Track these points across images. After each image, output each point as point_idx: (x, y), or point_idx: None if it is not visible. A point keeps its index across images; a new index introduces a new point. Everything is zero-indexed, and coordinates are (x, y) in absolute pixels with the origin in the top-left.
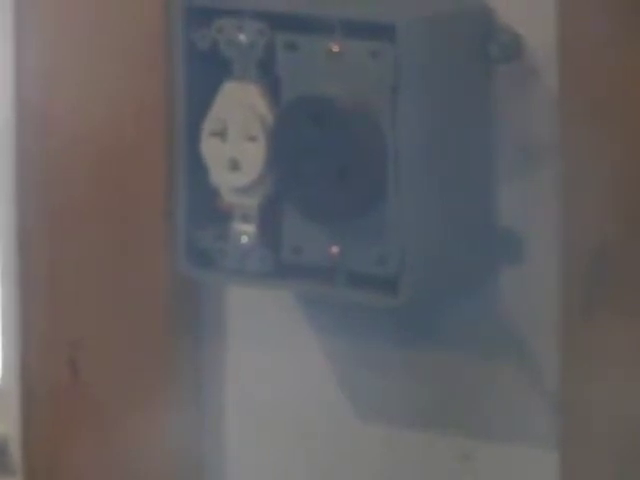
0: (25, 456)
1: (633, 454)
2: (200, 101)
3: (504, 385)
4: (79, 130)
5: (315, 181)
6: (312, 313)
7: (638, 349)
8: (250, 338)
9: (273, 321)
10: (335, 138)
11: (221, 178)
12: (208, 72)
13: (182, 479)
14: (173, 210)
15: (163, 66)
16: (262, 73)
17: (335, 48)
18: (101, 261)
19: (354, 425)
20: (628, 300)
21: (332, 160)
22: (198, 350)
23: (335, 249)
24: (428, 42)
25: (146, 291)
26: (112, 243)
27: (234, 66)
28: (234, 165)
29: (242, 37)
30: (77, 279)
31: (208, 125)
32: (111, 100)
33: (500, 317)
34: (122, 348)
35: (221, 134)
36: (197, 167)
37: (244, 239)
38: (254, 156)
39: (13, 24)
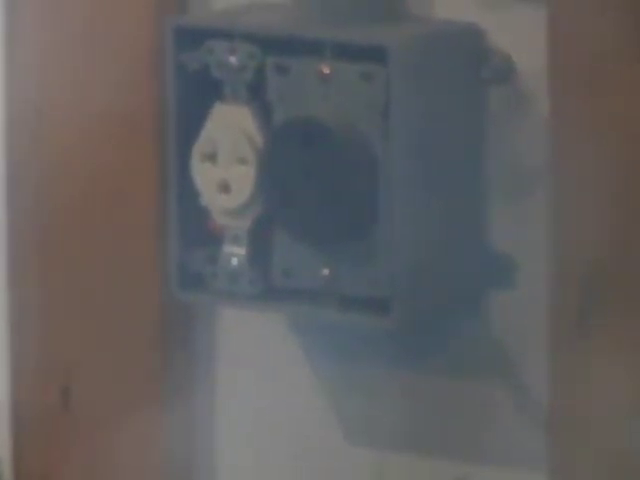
0: None
1: (628, 477)
2: (191, 123)
3: (496, 408)
4: (69, 155)
5: (306, 203)
6: (303, 336)
7: (632, 371)
8: (242, 361)
9: (264, 344)
10: (326, 160)
11: (212, 200)
12: (198, 94)
13: None
14: (164, 232)
15: (154, 87)
16: (253, 95)
17: (326, 70)
18: (93, 286)
19: (345, 448)
20: (621, 322)
21: (323, 182)
22: (190, 375)
23: (326, 271)
24: (419, 64)
25: (138, 317)
26: (104, 268)
27: (225, 88)
28: (224, 187)
29: (233, 59)
30: (68, 305)
31: (199, 147)
32: (101, 122)
33: (492, 340)
34: (114, 374)
35: (211, 156)
36: (188, 189)
37: (234, 261)
38: (244, 178)
39: (3, 49)
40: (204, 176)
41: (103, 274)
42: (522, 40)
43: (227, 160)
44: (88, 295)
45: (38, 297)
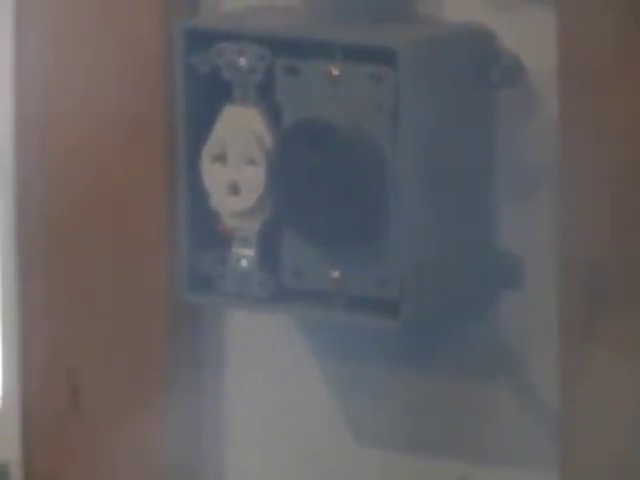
0: None
1: (633, 477)
2: (200, 124)
3: (503, 409)
4: (78, 155)
5: (315, 205)
6: (312, 337)
7: (638, 370)
8: (250, 362)
9: (273, 345)
10: (335, 162)
11: (221, 202)
12: (208, 96)
13: None
14: (174, 234)
15: (164, 89)
16: (262, 97)
17: (335, 72)
18: (101, 285)
19: (352, 449)
20: (628, 323)
21: (332, 184)
22: (198, 374)
23: (335, 273)
24: (428, 66)
25: (147, 316)
26: (112, 268)
27: (234, 90)
28: (234, 189)
29: (242, 61)
30: (77, 304)
31: (208, 149)
32: (111, 125)
33: (499, 340)
34: (123, 375)
35: (221, 158)
36: (197, 191)
37: (244, 263)
38: (254, 180)
39: (12, 44)
40: (214, 177)
41: (112, 275)
42: (531, 41)
43: (237, 161)
44: (97, 296)
45: (47, 298)
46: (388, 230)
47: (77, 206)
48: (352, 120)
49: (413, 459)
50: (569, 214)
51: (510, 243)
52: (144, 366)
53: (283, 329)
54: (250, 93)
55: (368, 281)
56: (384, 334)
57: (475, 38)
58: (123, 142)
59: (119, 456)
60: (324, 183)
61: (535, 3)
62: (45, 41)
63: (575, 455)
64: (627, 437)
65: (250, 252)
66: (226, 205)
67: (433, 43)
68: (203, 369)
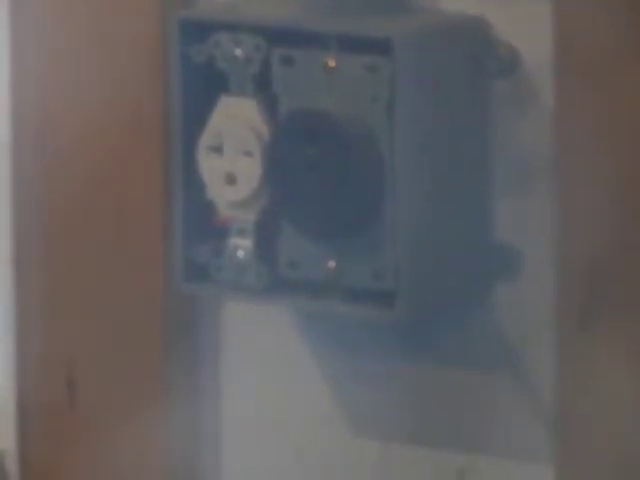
0: (22, 473)
1: (630, 469)
2: (196, 115)
3: (500, 400)
4: (75, 147)
5: (311, 196)
6: (308, 328)
7: (635, 363)
8: (246, 353)
9: (269, 336)
10: (331, 153)
11: (217, 192)
12: (204, 86)
13: None
14: (170, 225)
15: (160, 80)
16: (258, 88)
17: (331, 63)
18: (97, 278)
19: (350, 440)
20: (625, 314)
21: (329, 175)
22: (195, 366)
23: (332, 264)
24: (424, 56)
25: (143, 308)
26: (109, 260)
27: (230, 81)
28: (230, 179)
29: (238, 52)
30: (73, 297)
31: (205, 140)
32: (107, 115)
33: (497, 331)
34: (119, 368)
35: (217, 148)
36: (194, 181)
37: (240, 254)
38: (250, 170)
39: (9, 41)
40: (210, 168)
41: (108, 267)
42: (527, 32)
43: (233, 152)
44: (93, 289)
45: (43, 292)
46: (384, 221)
47: (73, 199)
48: (348, 110)
49: (411, 451)
50: (566, 207)
51: (507, 235)
52: (140, 359)
53: (280, 319)
54: (246, 84)
55: (364, 272)
56: (381, 325)
57: (471, 29)
58: (119, 134)
59: (114, 450)
60: (320, 174)
61: None
62: (41, 33)
63: (572, 447)
64: (625, 429)
65: (247, 243)
66: (222, 195)
67: (429, 33)
68: (200, 362)
